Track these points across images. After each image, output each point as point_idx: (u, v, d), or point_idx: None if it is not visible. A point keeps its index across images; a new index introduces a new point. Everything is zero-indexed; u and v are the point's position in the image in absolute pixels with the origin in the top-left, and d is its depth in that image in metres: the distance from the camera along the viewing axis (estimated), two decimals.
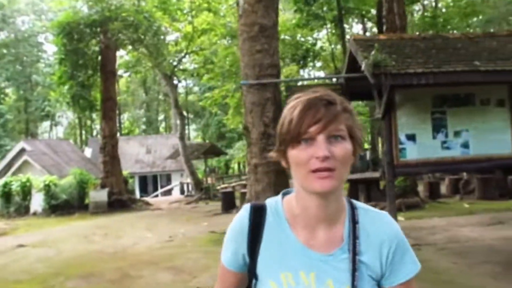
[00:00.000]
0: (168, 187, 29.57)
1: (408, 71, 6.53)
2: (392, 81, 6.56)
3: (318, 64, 26.19)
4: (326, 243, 1.04)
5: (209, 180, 20.65)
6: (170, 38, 24.09)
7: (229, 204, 12.89)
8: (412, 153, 7.47)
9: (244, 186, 23.61)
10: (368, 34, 29.25)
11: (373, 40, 7.48)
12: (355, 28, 31.13)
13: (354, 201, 1.11)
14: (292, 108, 1.01)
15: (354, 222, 1.05)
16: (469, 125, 7.54)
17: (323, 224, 1.04)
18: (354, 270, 1.00)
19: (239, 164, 51.85)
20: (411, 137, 7.47)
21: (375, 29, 29.04)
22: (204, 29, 22.02)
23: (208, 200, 17.93)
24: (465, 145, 7.53)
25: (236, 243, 1.11)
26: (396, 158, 7.41)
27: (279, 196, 1.14)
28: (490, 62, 6.74)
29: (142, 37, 17.70)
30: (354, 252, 1.01)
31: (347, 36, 26.50)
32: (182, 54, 22.57)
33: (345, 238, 1.04)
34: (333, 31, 25.32)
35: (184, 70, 28.00)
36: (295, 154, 0.98)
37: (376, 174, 11.74)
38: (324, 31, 27.51)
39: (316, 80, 21.69)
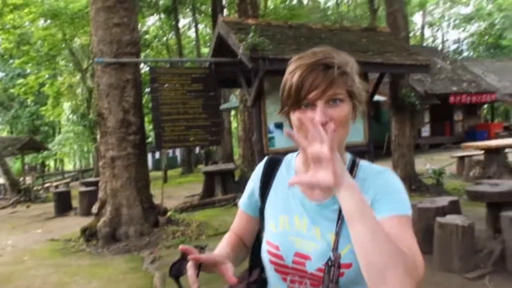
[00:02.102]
0: None
1: (285, 56, 6.35)
2: (270, 66, 6.31)
3: (152, 53, 24.94)
4: (320, 194, 1.09)
5: (28, 179, 17.66)
6: None
7: (64, 206, 11.05)
8: (281, 142, 7.41)
9: (66, 184, 21.32)
10: (200, 26, 29.34)
11: (242, 23, 7.11)
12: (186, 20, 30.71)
13: (360, 160, 1.16)
14: (292, 73, 1.04)
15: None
16: None
17: None
18: (339, 218, 1.05)
19: (56, 161, 46.75)
20: (279, 126, 7.40)
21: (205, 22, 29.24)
22: (16, 4, 18.73)
23: (29, 202, 15.29)
24: None
25: (252, 187, 1.28)
26: (266, 147, 7.24)
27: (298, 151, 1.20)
28: (352, 53, 7.03)
29: None
30: None
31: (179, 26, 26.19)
32: None
33: None
34: (167, 20, 24.41)
35: None
36: (297, 116, 1.03)
37: (232, 166, 11.60)
38: (154, 19, 26.50)
39: (181, 64, 20.51)
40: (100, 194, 7.15)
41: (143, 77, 8.14)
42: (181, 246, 1.08)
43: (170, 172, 21.75)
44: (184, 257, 1.07)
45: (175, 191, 13.13)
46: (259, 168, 1.29)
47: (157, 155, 28.35)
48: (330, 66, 1.00)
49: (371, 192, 1.05)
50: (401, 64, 7.37)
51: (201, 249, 1.13)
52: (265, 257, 1.16)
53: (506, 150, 10.66)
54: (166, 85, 6.80)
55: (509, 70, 24.40)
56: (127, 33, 6.68)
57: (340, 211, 1.03)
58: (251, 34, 6.17)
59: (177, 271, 1.08)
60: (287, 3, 26.63)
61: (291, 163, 1.22)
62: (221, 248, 1.25)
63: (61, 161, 46.79)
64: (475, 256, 4.74)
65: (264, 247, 1.17)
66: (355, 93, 1.04)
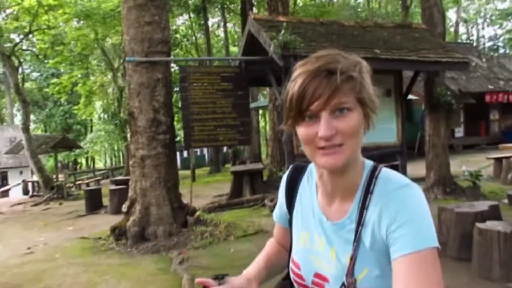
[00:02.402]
0: (7, 187, 25.26)
1: None
2: None
3: (181, 52, 25.12)
4: (337, 212, 1.03)
5: (61, 177, 18.05)
6: (8, 11, 20.43)
7: (95, 204, 11.20)
8: None
9: (96, 181, 21.68)
10: (229, 25, 29.38)
11: (273, 21, 6.99)
12: (215, 19, 30.82)
13: (381, 168, 1.02)
14: (294, 81, 0.95)
15: (367, 192, 0.98)
16: None
17: (337, 194, 1.03)
18: (355, 240, 0.96)
19: (87, 159, 47.84)
20: None
21: (234, 21, 29.26)
22: (51, 5, 19.15)
23: (61, 200, 15.62)
24: None
25: (280, 197, 1.23)
26: (296, 147, 7.09)
27: None
28: (386, 50, 6.82)
29: None
30: (359, 223, 0.96)
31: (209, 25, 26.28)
32: (26, 32, 19.22)
33: (354, 208, 0.99)
34: (196, 20, 24.52)
35: (27, 50, 24.16)
36: (301, 131, 0.95)
37: (260, 166, 11.49)
38: (183, 19, 26.68)
39: (215, 62, 20.65)
40: (130, 193, 7.16)
41: (172, 76, 8.11)
42: (197, 280, 1.03)
43: (198, 171, 21.86)
44: None
45: (203, 191, 13.13)
46: (284, 179, 1.22)
47: (185, 153, 28.57)
48: (334, 72, 0.90)
49: (385, 219, 0.93)
50: (437, 61, 7.07)
51: (221, 279, 1.08)
52: (290, 274, 1.13)
53: None
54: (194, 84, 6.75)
55: None
56: (158, 31, 6.65)
57: (356, 232, 0.96)
58: (282, 32, 6.04)
59: None
60: (316, 0, 26.31)
61: (313, 174, 1.13)
62: (256, 263, 1.23)
63: (92, 159, 47.90)
64: None
65: (290, 264, 1.14)
66: (365, 100, 0.93)
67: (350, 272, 0.95)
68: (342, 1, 31.37)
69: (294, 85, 0.93)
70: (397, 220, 0.90)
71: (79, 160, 45.18)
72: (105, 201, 11.44)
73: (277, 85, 7.26)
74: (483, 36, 41.78)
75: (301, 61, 0.97)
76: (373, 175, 1.00)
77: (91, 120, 38.87)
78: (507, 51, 37.07)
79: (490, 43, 40.26)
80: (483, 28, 41.91)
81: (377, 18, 25.10)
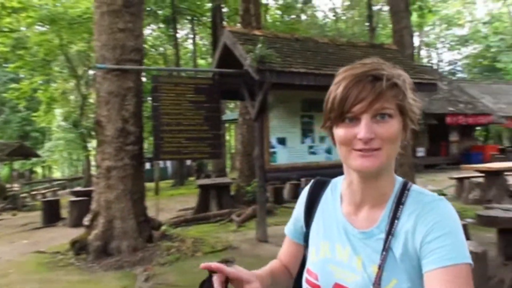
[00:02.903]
0: None
1: (293, 69, 6.19)
2: (277, 79, 6.12)
3: (148, 63, 24.75)
4: (366, 220, 1.01)
5: (17, 186, 17.18)
6: None
7: (52, 216, 10.60)
8: (283, 157, 7.19)
9: (53, 192, 20.75)
10: (198, 37, 29.27)
11: (249, 34, 6.94)
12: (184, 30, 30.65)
13: (411, 184, 1.03)
14: (337, 84, 0.97)
15: (399, 202, 0.98)
16: None
17: (367, 202, 1.02)
18: (383, 250, 0.94)
19: (43, 168, 45.94)
20: (282, 141, 7.19)
21: (203, 34, 29.20)
22: (15, 8, 18.43)
23: (15, 210, 14.84)
24: (329, 151, 7.60)
25: (297, 213, 1.21)
26: (267, 162, 7.01)
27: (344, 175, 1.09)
28: None
29: None
30: (389, 233, 0.95)
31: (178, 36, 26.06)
32: None
33: (384, 217, 0.98)
34: (166, 30, 24.27)
35: None
36: (340, 132, 0.96)
37: (228, 180, 11.31)
38: (151, 28, 26.34)
39: (185, 73, 20.28)
40: (93, 205, 6.82)
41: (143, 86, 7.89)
42: (202, 264, 0.96)
43: (161, 184, 21.35)
44: (211, 275, 0.97)
45: (167, 204, 12.79)
46: (305, 192, 1.21)
47: (148, 165, 27.94)
48: (379, 78, 0.92)
49: (421, 229, 0.92)
50: None
51: (228, 262, 1.02)
52: (304, 286, 1.09)
53: (506, 173, 10.55)
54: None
55: (504, 93, 24.58)
56: (131, 39, 6.44)
57: (386, 241, 0.95)
58: (259, 46, 5.99)
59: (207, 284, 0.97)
60: (284, 18, 26.67)
61: (337, 185, 1.14)
62: (261, 270, 1.17)
63: (49, 168, 46.12)
64: (486, 284, 4.53)
65: (304, 275, 1.10)
66: (406, 109, 0.95)
67: (377, 281, 0.93)
68: (310, 20, 31.97)
69: (337, 87, 0.95)
70: (435, 231, 0.90)
71: (34, 169, 43.38)
72: (64, 213, 10.90)
73: (250, 99, 7.18)
74: (442, 60, 43.59)
75: (345, 67, 0.99)
76: (405, 187, 1.01)
77: (49, 128, 37.52)
78: (465, 76, 38.80)
79: (449, 67, 42.03)
80: (442, 53, 43.75)
81: (344, 38, 25.73)
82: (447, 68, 41.55)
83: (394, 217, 0.97)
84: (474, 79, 30.41)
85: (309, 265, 1.10)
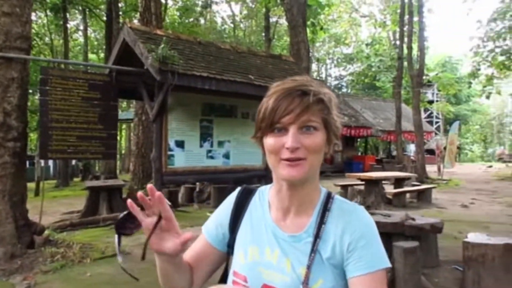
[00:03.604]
0: None
1: (195, 73, 6.17)
2: (178, 81, 6.05)
3: (32, 53, 22.69)
4: (294, 225, 1.07)
5: None
6: None
7: None
8: (180, 160, 7.12)
9: None
10: (89, 29, 27.63)
11: (151, 33, 6.76)
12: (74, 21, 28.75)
13: (334, 193, 1.14)
14: (269, 96, 1.03)
15: (325, 209, 1.07)
16: (231, 136, 7.79)
17: (295, 208, 1.08)
18: (312, 252, 1.01)
19: None
20: (180, 144, 7.12)
21: (95, 26, 27.70)
22: None
23: None
24: (227, 156, 7.72)
25: (221, 217, 1.21)
26: (164, 164, 6.88)
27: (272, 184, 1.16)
28: (260, 77, 7.12)
29: None
30: (317, 236, 1.02)
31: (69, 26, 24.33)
32: None
33: (312, 222, 1.05)
34: (53, 19, 22.53)
35: None
36: (269, 141, 1.01)
37: (120, 182, 10.78)
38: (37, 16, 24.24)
39: (81, 66, 18.55)
40: None
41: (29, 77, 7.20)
42: (139, 193, 0.96)
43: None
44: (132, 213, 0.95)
45: (50, 206, 11.80)
46: (231, 198, 1.23)
47: (27, 164, 25.58)
48: (307, 93, 0.99)
49: (347, 235, 1.02)
50: None
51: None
52: None
53: (383, 181, 11.66)
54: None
55: (382, 109, 27.15)
56: (17, 25, 5.84)
57: (314, 244, 1.02)
58: (162, 46, 5.87)
59: (122, 227, 0.96)
60: (182, 19, 26.46)
61: (265, 193, 1.19)
62: None
63: None
64: None
65: (230, 278, 1.12)
66: (330, 123, 1.02)
67: (306, 281, 0.99)
68: (209, 24, 32.12)
69: (269, 99, 1.01)
70: (360, 240, 1.00)
71: None
72: None
73: (149, 99, 6.99)
74: (330, 75, 46.81)
75: (277, 82, 1.05)
76: (329, 196, 1.11)
77: None
78: (349, 91, 42.11)
79: (336, 82, 45.29)
80: (330, 68, 46.99)
81: (243, 47, 26.29)
82: (334, 83, 44.74)
83: (322, 222, 1.05)
84: (357, 95, 33.15)
85: (236, 268, 1.11)
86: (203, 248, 1.20)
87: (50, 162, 27.09)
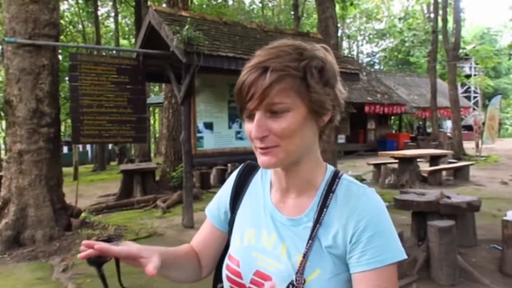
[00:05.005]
0: None
1: (220, 53, 6.10)
2: (204, 62, 5.99)
3: (65, 40, 23.15)
4: (295, 207, 0.97)
5: None
6: None
7: None
8: (209, 142, 7.12)
9: None
10: (120, 16, 27.95)
11: (176, 15, 6.71)
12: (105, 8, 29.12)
13: (342, 173, 1.00)
14: (239, 77, 0.89)
15: (329, 191, 0.94)
16: None
17: (293, 189, 0.98)
18: (310, 238, 0.90)
19: None
20: (209, 126, 7.11)
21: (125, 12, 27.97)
22: None
23: None
24: None
25: (222, 196, 1.13)
26: (194, 147, 6.90)
27: None
28: None
29: None
30: (317, 221, 0.91)
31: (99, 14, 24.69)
32: None
33: (314, 205, 0.94)
34: (85, 7, 22.88)
35: None
36: (246, 128, 0.92)
37: (153, 165, 10.98)
38: (69, 4, 24.69)
39: (110, 52, 18.93)
40: (3, 193, 6.28)
41: (61, 64, 7.35)
42: (84, 242, 0.88)
43: (80, 169, 20.31)
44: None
45: (87, 190, 12.19)
46: (234, 175, 1.14)
47: (65, 149, 26.43)
48: (269, 69, 0.84)
49: (351, 224, 0.89)
50: None
51: (113, 240, 0.92)
52: (224, 272, 1.03)
53: (418, 159, 11.36)
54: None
55: (416, 85, 26.36)
56: (45, 12, 5.94)
57: (313, 230, 0.91)
58: (186, 27, 5.81)
59: (94, 260, 0.90)
60: (210, 1, 26.31)
61: (268, 171, 1.08)
62: (165, 248, 1.03)
63: None
64: (401, 264, 4.84)
65: (225, 261, 1.04)
66: (310, 98, 0.86)
67: (301, 270, 0.88)
68: (237, 5, 31.86)
69: (238, 81, 0.88)
70: (367, 230, 0.87)
71: None
72: None
73: (176, 82, 6.99)
74: (362, 52, 45.74)
75: (258, 51, 0.91)
76: (336, 176, 0.98)
77: None
78: (382, 67, 41.05)
79: (368, 59, 44.23)
80: (362, 45, 45.88)
81: (270, 26, 25.97)
82: (366, 60, 43.71)
83: (324, 205, 0.93)
84: (390, 71, 32.29)
85: (231, 251, 1.03)
86: (208, 232, 1.13)
87: (88, 147, 27.89)
